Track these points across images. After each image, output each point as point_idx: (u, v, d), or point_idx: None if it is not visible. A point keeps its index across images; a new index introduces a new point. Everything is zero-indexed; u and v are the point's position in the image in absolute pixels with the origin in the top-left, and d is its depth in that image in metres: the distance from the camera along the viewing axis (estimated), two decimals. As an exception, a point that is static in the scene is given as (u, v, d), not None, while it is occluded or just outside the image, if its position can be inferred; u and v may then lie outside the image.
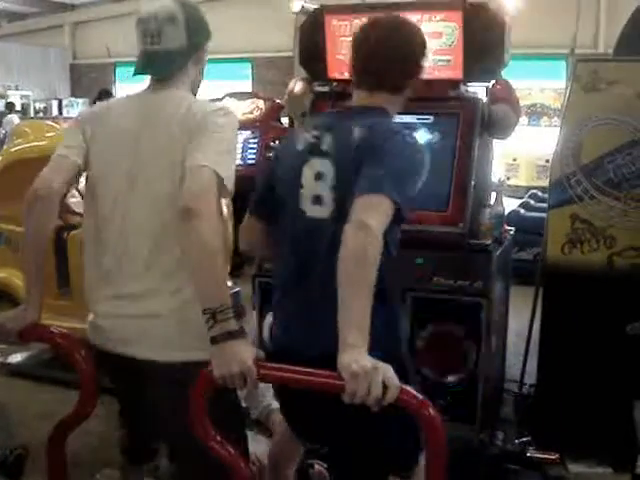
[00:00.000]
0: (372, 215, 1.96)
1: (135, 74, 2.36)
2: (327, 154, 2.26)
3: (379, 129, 2.22)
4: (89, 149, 2.32)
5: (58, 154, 2.32)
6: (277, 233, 2.42)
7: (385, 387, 1.77)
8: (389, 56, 2.30)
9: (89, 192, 2.37)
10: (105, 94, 14.30)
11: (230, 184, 2.14)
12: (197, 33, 2.35)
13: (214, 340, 1.98)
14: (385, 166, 2.09)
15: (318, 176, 2.25)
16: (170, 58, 2.31)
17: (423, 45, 2.39)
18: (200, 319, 2.00)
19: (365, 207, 1.99)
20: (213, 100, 2.82)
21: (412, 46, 2.35)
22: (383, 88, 2.33)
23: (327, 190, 2.23)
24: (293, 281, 2.32)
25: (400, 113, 3.52)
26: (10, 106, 14.80)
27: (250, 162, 8.13)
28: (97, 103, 2.50)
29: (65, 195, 2.37)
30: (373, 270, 1.91)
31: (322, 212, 2.24)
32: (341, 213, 2.12)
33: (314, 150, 2.29)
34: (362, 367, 1.77)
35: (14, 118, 13.54)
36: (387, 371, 1.79)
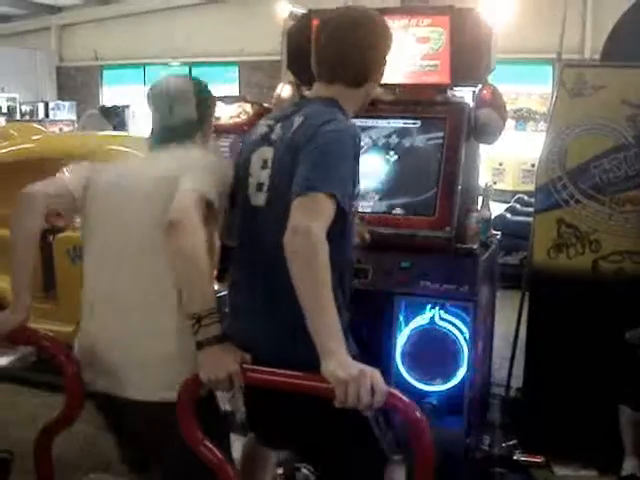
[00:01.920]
0: (309, 217, 1.93)
1: (151, 149, 2.47)
2: (273, 143, 2.26)
3: (312, 119, 2.17)
4: (86, 194, 2.37)
5: (59, 176, 2.40)
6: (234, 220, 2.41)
7: (373, 391, 1.77)
8: (344, 47, 2.25)
9: (87, 238, 2.41)
10: (114, 111, 14.34)
11: (213, 196, 2.17)
12: (205, 107, 2.48)
13: (200, 345, 1.99)
14: (316, 162, 2.04)
15: (264, 164, 2.26)
16: (181, 131, 2.42)
17: (383, 39, 2.33)
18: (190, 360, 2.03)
19: (301, 210, 1.95)
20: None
21: (373, 42, 2.30)
22: (339, 80, 2.29)
23: (268, 178, 2.23)
24: (243, 273, 2.33)
25: (388, 117, 3.57)
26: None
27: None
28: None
29: (49, 204, 2.38)
30: (323, 272, 1.88)
31: (261, 200, 2.24)
32: (274, 200, 2.14)
33: (264, 139, 2.30)
34: (349, 373, 1.77)
35: (1, 121, 13.46)
36: (374, 375, 1.79)
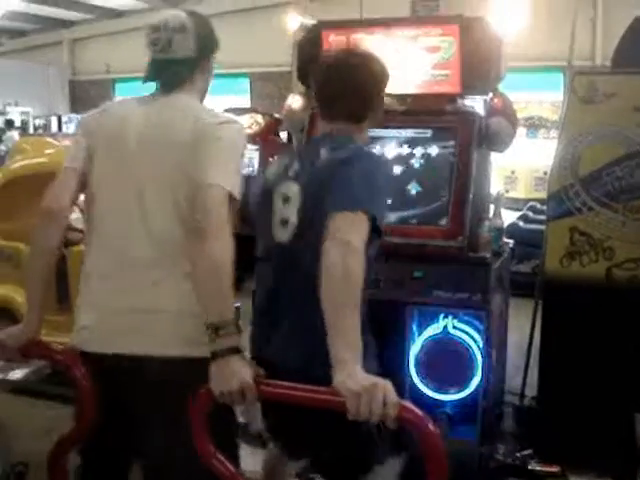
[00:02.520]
0: (352, 231, 1.98)
1: (144, 81, 2.39)
2: (294, 178, 2.31)
3: (343, 148, 2.26)
4: (92, 158, 2.33)
5: (66, 166, 2.35)
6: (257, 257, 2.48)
7: (385, 403, 1.77)
8: (340, 89, 2.35)
9: (89, 198, 2.37)
10: None
11: (238, 195, 2.15)
12: (206, 43, 2.39)
13: (214, 355, 1.98)
14: (355, 183, 2.11)
15: (285, 200, 2.30)
16: (179, 66, 2.34)
17: (378, 77, 2.42)
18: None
19: (344, 224, 2.00)
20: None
21: (375, 82, 2.40)
22: (340, 118, 2.37)
23: (294, 213, 2.27)
24: (265, 303, 2.37)
25: (399, 127, 3.58)
26: (10, 123, 14.89)
27: (249, 177, 8.14)
28: (100, 107, 2.50)
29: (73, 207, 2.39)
30: (358, 287, 1.92)
31: (287, 235, 2.28)
32: (302, 234, 2.18)
33: (282, 177, 2.35)
34: (361, 385, 1.77)
35: (14, 135, 13.54)
36: (386, 387, 1.78)
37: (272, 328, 2.33)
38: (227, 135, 2.23)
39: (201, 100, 2.44)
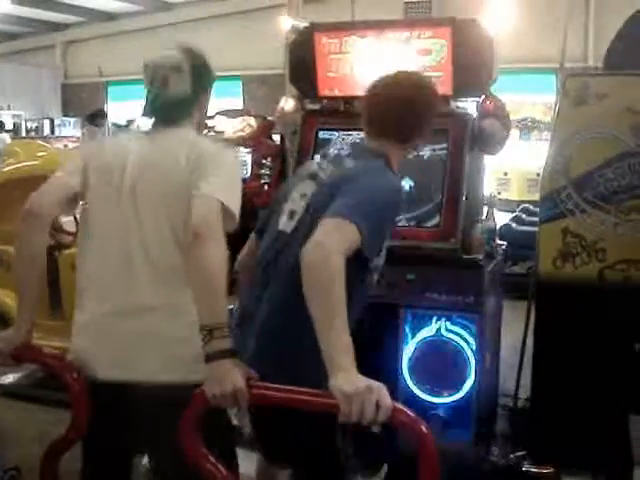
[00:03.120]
0: (331, 235, 1.98)
1: (142, 116, 2.43)
2: (318, 179, 2.35)
3: (365, 165, 2.30)
4: (87, 181, 2.35)
5: (55, 175, 2.36)
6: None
7: (378, 406, 1.76)
8: (398, 116, 2.39)
9: (83, 223, 2.40)
10: (100, 114, 14.33)
11: (234, 210, 2.18)
12: (202, 80, 2.43)
13: (208, 358, 1.99)
14: (357, 197, 2.13)
15: (303, 195, 2.35)
16: (176, 105, 2.38)
17: (434, 105, 2.48)
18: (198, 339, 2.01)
19: (326, 228, 2.01)
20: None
21: (424, 108, 2.44)
22: (391, 139, 2.41)
23: (302, 207, 2.32)
24: (257, 293, 2.36)
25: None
26: (0, 125, 14.79)
27: (242, 179, 8.13)
28: (98, 135, 2.55)
29: (57, 215, 2.38)
30: (335, 287, 1.90)
31: (288, 226, 2.32)
32: (300, 228, 2.21)
33: (311, 176, 2.39)
34: (355, 388, 1.77)
35: (5, 137, 13.48)
36: (380, 390, 1.78)
37: (255, 324, 2.32)
38: (223, 158, 2.30)
39: (200, 131, 2.51)
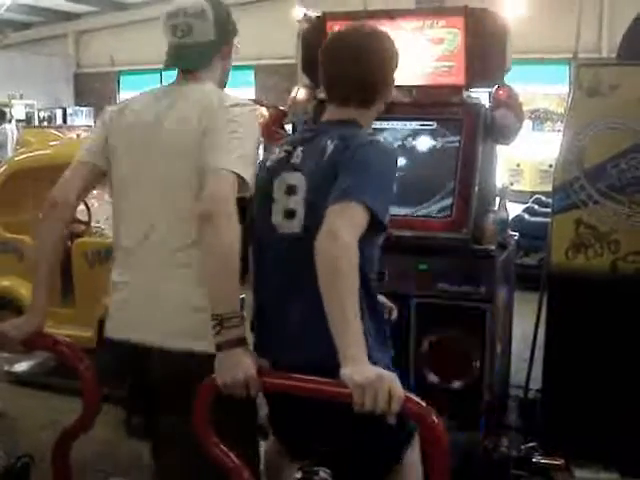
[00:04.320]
0: (342, 224, 1.94)
1: (165, 67, 2.40)
2: (298, 168, 2.25)
3: (350, 140, 2.18)
4: (110, 147, 2.34)
5: (78, 160, 2.36)
6: (252, 247, 2.41)
7: (390, 396, 1.76)
8: (355, 74, 2.27)
9: (113, 189, 2.38)
10: None
11: (251, 182, 2.15)
12: (225, 28, 2.40)
13: (219, 347, 1.98)
14: (356, 175, 2.06)
15: (290, 190, 2.23)
16: (199, 51, 2.35)
17: (392, 60, 2.34)
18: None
19: (335, 216, 1.96)
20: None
21: (380, 63, 2.30)
22: (351, 102, 2.30)
23: (300, 204, 2.21)
24: (275, 298, 2.29)
25: (404, 119, 3.57)
26: (2, 115, 14.66)
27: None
28: (121, 103, 2.50)
29: (81, 203, 2.39)
30: (351, 279, 1.89)
31: (294, 227, 2.21)
32: (312, 226, 2.09)
33: (284, 164, 2.29)
34: (366, 378, 1.76)
35: (8, 128, 13.33)
36: (392, 380, 1.78)
37: (282, 326, 2.26)
38: (237, 118, 2.21)
39: (221, 86, 2.44)
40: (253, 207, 2.37)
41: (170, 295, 2.21)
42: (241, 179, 2.10)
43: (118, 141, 2.34)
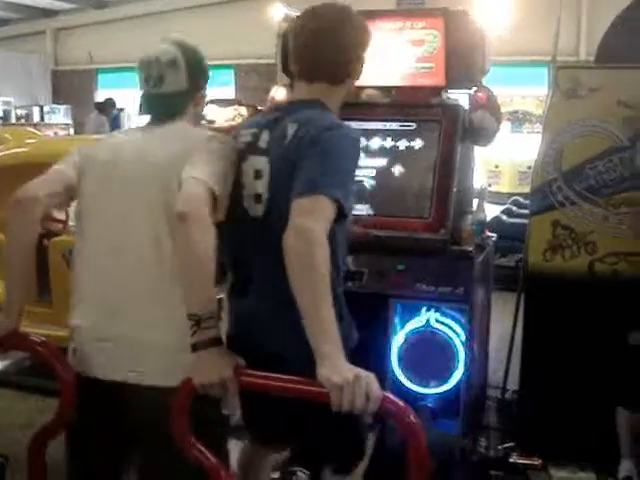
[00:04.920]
0: (311, 218, 1.92)
1: (139, 114, 2.44)
2: (264, 151, 2.25)
3: (312, 125, 2.16)
4: (80, 178, 2.33)
5: (56, 169, 2.35)
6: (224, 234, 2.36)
7: (368, 396, 1.76)
8: (327, 47, 2.25)
9: (78, 220, 2.38)
10: (109, 102, 14.20)
11: (218, 188, 2.12)
12: (197, 76, 2.42)
13: (195, 347, 1.97)
14: (319, 164, 2.04)
15: (257, 174, 2.24)
16: (172, 101, 2.38)
17: (364, 36, 2.33)
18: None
19: (303, 210, 1.94)
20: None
21: (352, 38, 2.29)
22: (321, 79, 2.29)
23: (265, 188, 2.21)
24: (239, 283, 2.32)
25: (383, 120, 3.57)
26: None
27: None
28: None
29: (50, 206, 2.36)
30: (323, 275, 1.88)
31: (258, 211, 2.22)
32: (272, 211, 2.12)
33: (251, 148, 2.28)
34: (344, 379, 1.76)
35: None
36: (369, 380, 1.78)
37: (245, 308, 2.29)
38: (215, 145, 2.25)
39: (195, 125, 2.50)
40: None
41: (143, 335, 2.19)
42: (212, 191, 2.10)
43: (88, 167, 2.33)
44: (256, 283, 2.27)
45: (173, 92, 2.36)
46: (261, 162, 2.24)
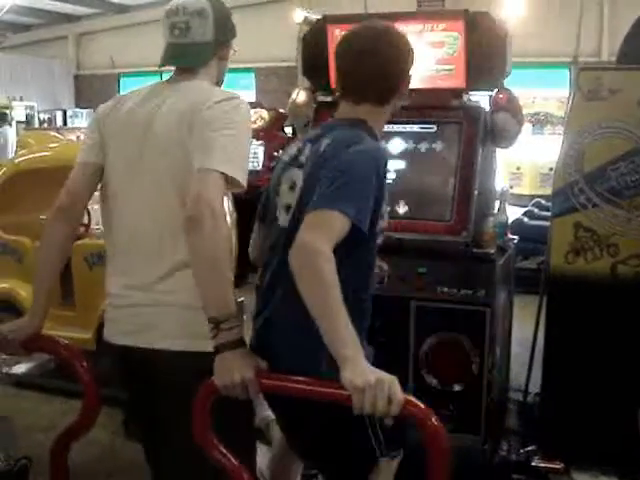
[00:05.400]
0: (313, 232, 1.93)
1: (161, 65, 2.37)
2: (301, 165, 2.28)
3: (338, 141, 2.18)
4: (105, 142, 2.33)
5: (79, 161, 2.35)
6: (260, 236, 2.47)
7: (390, 399, 1.76)
8: (372, 68, 2.25)
9: (103, 182, 2.37)
10: None
11: (242, 179, 2.12)
12: (224, 29, 2.37)
13: (217, 349, 1.98)
14: (332, 180, 2.04)
15: (292, 186, 2.27)
16: (197, 51, 2.33)
17: (408, 55, 2.34)
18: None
19: (307, 225, 1.96)
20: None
21: (396, 57, 2.30)
22: (367, 100, 2.30)
23: (294, 201, 2.24)
24: (267, 289, 2.33)
25: (404, 123, 3.57)
26: (3, 117, 14.43)
27: (254, 171, 8.13)
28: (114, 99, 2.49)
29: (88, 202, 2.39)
30: (330, 283, 1.87)
31: (286, 221, 2.25)
32: (295, 224, 2.12)
33: (294, 161, 2.32)
34: (366, 381, 1.76)
35: (8, 129, 13.29)
36: (391, 383, 1.77)
37: (267, 320, 2.30)
38: (225, 114, 2.18)
39: (217, 86, 2.42)
40: (265, 201, 2.43)
41: (165, 297, 2.21)
42: (229, 178, 2.08)
43: (110, 141, 2.32)
44: (276, 291, 2.27)
45: (199, 42, 2.31)
46: (297, 175, 2.27)
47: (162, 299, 2.21)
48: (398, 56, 2.31)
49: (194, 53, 2.33)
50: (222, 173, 2.06)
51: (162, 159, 2.21)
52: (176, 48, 2.33)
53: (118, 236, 2.32)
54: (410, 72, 2.35)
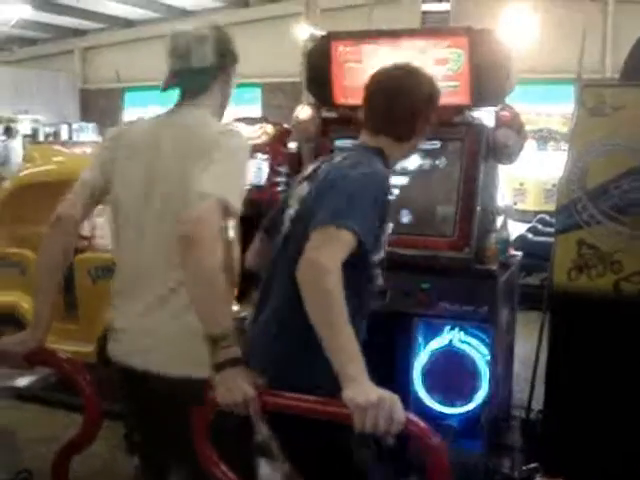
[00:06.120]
0: (319, 249, 1.94)
1: (163, 90, 2.39)
2: (313, 181, 2.30)
3: (346, 162, 2.23)
4: (112, 167, 2.34)
5: (82, 178, 2.37)
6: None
7: (392, 418, 1.76)
8: (396, 107, 2.32)
9: (111, 210, 2.39)
10: None
11: (237, 204, 2.12)
12: (225, 55, 2.39)
13: (216, 367, 1.98)
14: (334, 199, 2.07)
15: (299, 200, 2.30)
16: (197, 76, 2.34)
17: (432, 98, 2.39)
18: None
19: (313, 242, 1.97)
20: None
21: (421, 98, 2.36)
22: (388, 135, 2.35)
23: (297, 214, 2.27)
24: (261, 299, 2.33)
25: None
26: (9, 132, 14.42)
27: (258, 186, 8.14)
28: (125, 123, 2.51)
29: (86, 217, 2.40)
30: (334, 305, 1.87)
31: (286, 230, 2.28)
32: (290, 234, 2.19)
33: (309, 176, 2.35)
34: (368, 400, 1.76)
35: (14, 143, 13.36)
36: (393, 402, 1.77)
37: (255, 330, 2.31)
38: (226, 144, 2.21)
39: (220, 114, 2.45)
40: (277, 215, 2.43)
41: (167, 321, 2.22)
42: (226, 203, 2.09)
43: (117, 168, 2.34)
44: (268, 304, 2.28)
45: (199, 67, 2.32)
46: (304, 189, 2.31)
47: (166, 323, 2.22)
48: (425, 99, 2.37)
49: (193, 79, 2.35)
50: (219, 198, 2.07)
51: (168, 191, 2.23)
52: (177, 73, 2.35)
53: (125, 260, 2.35)
54: (431, 114, 2.39)
